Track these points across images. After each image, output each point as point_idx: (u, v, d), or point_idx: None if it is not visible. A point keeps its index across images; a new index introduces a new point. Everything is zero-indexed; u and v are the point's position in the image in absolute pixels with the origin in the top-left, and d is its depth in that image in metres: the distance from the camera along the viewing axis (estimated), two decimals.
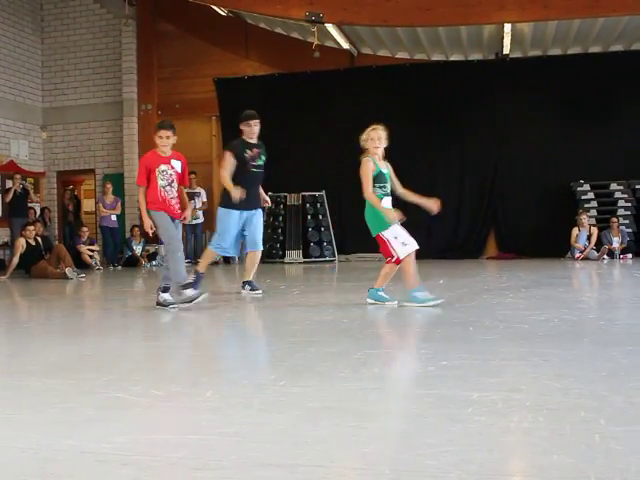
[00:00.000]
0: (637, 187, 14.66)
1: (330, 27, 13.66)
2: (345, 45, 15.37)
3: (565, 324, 5.17)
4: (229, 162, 7.73)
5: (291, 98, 16.05)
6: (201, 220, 16.05)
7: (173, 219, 6.62)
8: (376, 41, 15.40)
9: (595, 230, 14.23)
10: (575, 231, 14.25)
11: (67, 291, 9.84)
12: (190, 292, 6.54)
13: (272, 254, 15.44)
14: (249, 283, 7.99)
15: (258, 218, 7.91)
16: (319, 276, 11.79)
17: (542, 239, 14.98)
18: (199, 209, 15.95)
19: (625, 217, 14.67)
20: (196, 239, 15.95)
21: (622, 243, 14.17)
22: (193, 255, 15.80)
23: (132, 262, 15.57)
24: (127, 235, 16.35)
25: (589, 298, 7.67)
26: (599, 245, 14.15)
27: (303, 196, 15.44)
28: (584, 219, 14.21)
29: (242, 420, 2.65)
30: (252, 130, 7.95)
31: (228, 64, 16.84)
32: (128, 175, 17.08)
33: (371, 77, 15.83)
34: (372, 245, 14.57)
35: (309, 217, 15.38)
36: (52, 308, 7.81)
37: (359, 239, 15.02)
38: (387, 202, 6.38)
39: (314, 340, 4.59)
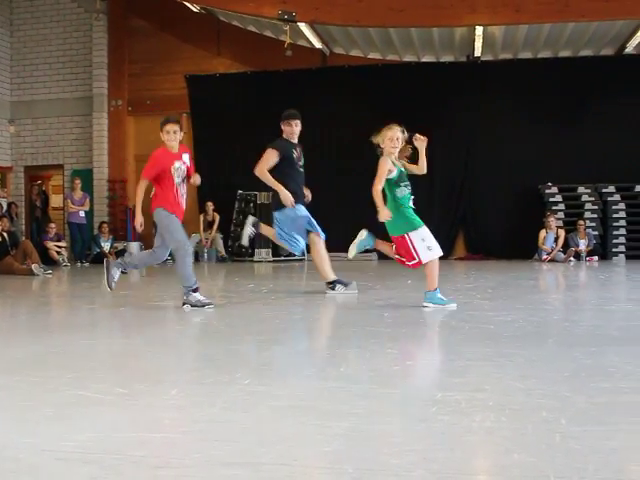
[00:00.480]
0: (604, 191, 14.85)
1: (303, 26, 13.66)
2: (317, 44, 15.38)
3: (530, 325, 5.22)
4: (272, 160, 7.66)
5: (263, 96, 16.02)
6: None
7: None
8: (348, 41, 15.42)
9: (562, 232, 14.39)
10: (543, 233, 14.40)
11: (33, 288, 9.73)
12: (199, 296, 6.34)
13: (241, 252, 15.40)
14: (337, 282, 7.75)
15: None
16: (288, 275, 11.79)
17: (510, 241, 15.13)
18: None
19: (592, 220, 14.85)
20: None
21: (588, 246, 14.35)
22: None
23: (100, 259, 15.41)
24: (95, 232, 16.21)
25: (555, 299, 7.76)
26: (566, 247, 14.31)
27: (274, 195, 15.40)
28: (552, 221, 14.37)
29: (206, 418, 2.64)
30: (293, 130, 7.74)
31: (200, 61, 16.77)
32: (97, 171, 16.94)
33: (343, 77, 15.86)
34: (341, 244, 14.61)
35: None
36: (18, 305, 7.73)
37: (329, 238, 15.07)
38: (411, 202, 6.30)
39: (281, 339, 4.59)
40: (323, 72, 16.12)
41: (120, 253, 15.55)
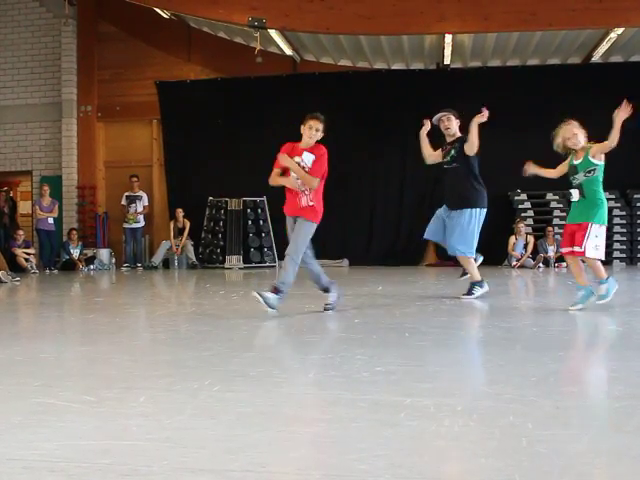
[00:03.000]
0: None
1: (273, 33, 13.67)
2: (288, 51, 15.40)
3: (499, 330, 5.26)
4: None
5: (233, 103, 16.00)
6: (142, 224, 15.87)
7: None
8: (319, 48, 15.47)
9: (531, 239, 14.52)
10: (512, 239, 14.53)
11: (1, 295, 9.61)
12: (271, 297, 6.05)
13: (212, 259, 15.36)
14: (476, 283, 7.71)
15: (456, 218, 7.78)
16: (259, 282, 11.76)
17: (480, 247, 15.21)
18: (140, 213, 15.77)
19: (560, 227, 14.99)
20: (136, 243, 15.75)
21: (557, 252, 14.48)
22: (132, 260, 15.63)
23: (69, 266, 15.30)
24: (64, 238, 16.06)
25: (524, 305, 7.83)
26: (535, 253, 14.44)
27: (244, 201, 15.38)
28: (521, 228, 14.50)
29: (174, 425, 2.63)
30: (446, 126, 7.80)
31: (170, 67, 16.70)
32: (66, 178, 16.79)
33: (313, 84, 15.89)
34: (314, 251, 14.48)
35: (250, 222, 15.33)
36: None
37: None
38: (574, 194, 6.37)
39: (251, 345, 4.58)
40: (294, 79, 16.14)
41: (90, 260, 15.45)
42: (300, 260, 6.21)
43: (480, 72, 15.76)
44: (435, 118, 7.69)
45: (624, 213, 14.84)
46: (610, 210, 14.91)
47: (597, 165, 6.26)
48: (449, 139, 7.71)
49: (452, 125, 7.70)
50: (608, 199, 14.97)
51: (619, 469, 2.22)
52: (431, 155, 7.75)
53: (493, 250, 14.89)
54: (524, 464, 2.19)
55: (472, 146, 7.41)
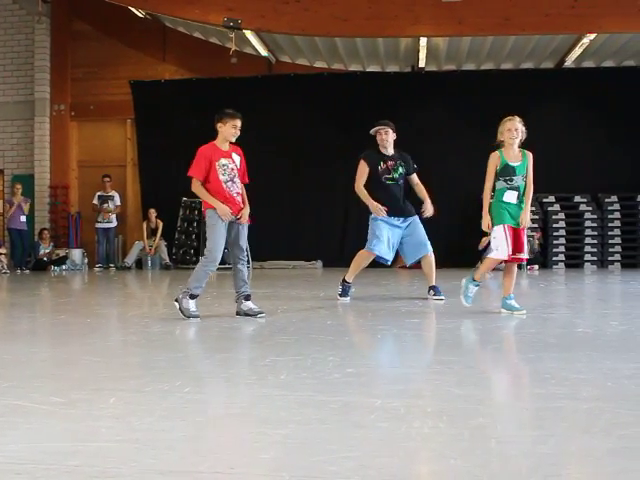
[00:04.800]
0: (544, 201, 15.15)
1: (248, 34, 13.64)
2: (263, 52, 15.38)
3: (471, 332, 5.30)
4: (362, 172, 7.71)
5: (208, 103, 15.91)
6: (114, 224, 15.77)
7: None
8: (294, 49, 15.47)
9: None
10: (485, 240, 14.63)
11: None
12: (192, 305, 6.09)
13: (186, 260, 15.29)
14: (433, 288, 7.81)
15: (415, 224, 7.81)
16: (232, 282, 11.72)
17: (454, 249, 15.29)
18: (112, 212, 15.65)
19: (533, 229, 15.12)
20: (109, 243, 15.65)
21: (532, 253, 14.61)
22: (105, 260, 15.52)
23: (40, 266, 15.15)
24: (35, 238, 15.91)
25: (495, 307, 7.88)
26: None
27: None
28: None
29: (143, 427, 2.62)
30: (383, 139, 7.72)
31: (145, 67, 16.61)
32: (39, 177, 16.62)
33: (289, 85, 15.88)
34: (287, 252, 14.55)
35: None
36: None
37: (274, 246, 15.07)
38: (510, 196, 6.28)
39: (223, 347, 4.57)
40: (269, 80, 16.12)
41: (61, 260, 15.30)
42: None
43: (454, 75, 15.86)
44: (373, 130, 7.75)
45: (595, 216, 14.99)
46: (582, 214, 15.10)
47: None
48: (384, 151, 7.75)
49: (388, 138, 7.73)
50: (579, 202, 15.27)
51: (586, 469, 2.25)
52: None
53: (467, 252, 15.01)
54: (493, 465, 2.20)
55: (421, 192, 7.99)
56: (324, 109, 15.60)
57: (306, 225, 15.39)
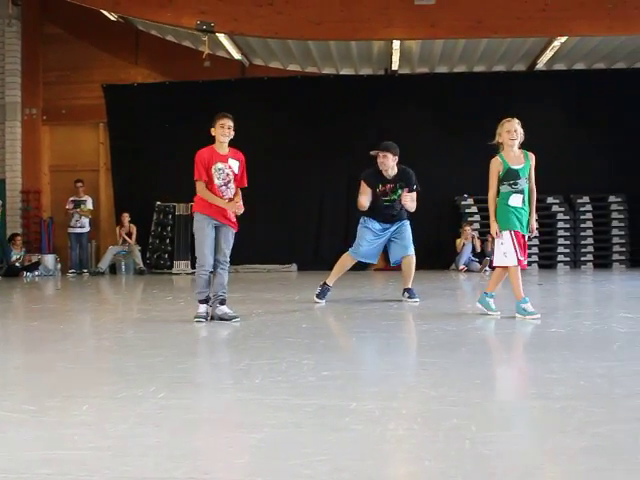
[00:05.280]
0: None
1: (221, 37, 13.61)
2: (237, 55, 15.35)
3: (445, 334, 5.32)
4: (364, 191, 7.83)
5: (181, 107, 15.87)
6: (87, 229, 15.62)
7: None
8: (268, 53, 15.45)
9: (478, 242, 14.73)
10: (459, 242, 14.73)
11: None
12: (202, 310, 6.12)
13: (160, 265, 15.21)
14: (408, 290, 7.83)
15: (405, 227, 7.86)
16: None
17: (428, 251, 15.34)
18: (83, 214, 15.44)
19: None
20: (81, 249, 15.49)
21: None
22: (78, 265, 15.38)
23: (12, 272, 14.97)
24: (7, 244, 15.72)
25: (469, 309, 7.92)
26: (482, 257, 14.64)
27: (192, 206, 15.24)
28: (467, 231, 14.70)
29: (117, 434, 2.60)
30: (382, 162, 7.68)
31: (117, 70, 16.49)
32: (10, 182, 16.43)
33: (262, 88, 15.86)
34: (261, 256, 14.52)
35: None
36: None
37: (248, 250, 15.01)
38: (517, 199, 6.19)
39: (198, 351, 4.55)
40: (242, 83, 16.08)
41: (34, 266, 15.14)
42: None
43: (427, 78, 15.93)
44: (373, 152, 7.78)
45: (568, 217, 15.13)
46: (554, 214, 15.22)
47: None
48: (386, 174, 7.75)
49: (388, 162, 7.71)
50: (552, 204, 15.39)
51: (560, 468, 2.26)
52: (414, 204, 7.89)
53: (441, 254, 15.09)
54: (467, 466, 2.21)
55: (409, 210, 7.86)
56: (297, 112, 15.60)
57: (280, 229, 15.37)
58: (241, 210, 6.26)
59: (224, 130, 6.22)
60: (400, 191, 7.73)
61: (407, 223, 7.94)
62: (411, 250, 7.90)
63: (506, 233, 6.18)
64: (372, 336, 5.17)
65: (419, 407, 2.99)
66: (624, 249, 15.23)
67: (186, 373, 3.73)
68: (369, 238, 7.87)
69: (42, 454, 2.36)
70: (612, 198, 15.16)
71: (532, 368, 3.88)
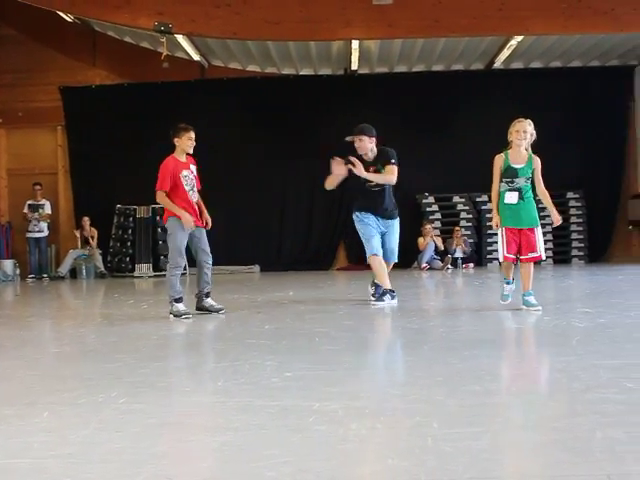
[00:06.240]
0: (477, 200, 15.40)
1: (180, 38, 13.51)
2: (195, 56, 15.26)
3: (408, 332, 5.35)
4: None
5: (141, 109, 15.74)
6: (46, 233, 15.40)
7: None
8: (227, 53, 15.39)
9: (439, 241, 14.84)
10: (421, 240, 14.81)
11: None
12: (181, 307, 6.46)
13: (121, 268, 15.06)
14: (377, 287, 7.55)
15: (394, 229, 7.65)
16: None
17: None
18: (42, 219, 15.23)
19: (467, 228, 15.37)
20: (40, 253, 15.28)
21: (464, 253, 14.85)
22: (38, 270, 15.16)
23: None
24: None
25: (432, 306, 7.98)
26: (443, 255, 14.76)
27: (153, 209, 15.14)
28: (428, 229, 14.80)
29: (78, 440, 2.57)
30: (359, 146, 7.49)
31: (74, 72, 16.29)
32: None
33: (222, 89, 15.79)
34: (223, 257, 14.50)
35: (159, 230, 15.08)
36: None
37: (211, 251, 14.95)
38: (511, 197, 6.40)
39: (159, 355, 4.52)
40: (201, 84, 15.99)
41: None
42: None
43: (387, 77, 16.01)
44: (349, 138, 7.66)
45: None
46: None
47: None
48: (366, 158, 7.55)
49: (364, 145, 7.54)
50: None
51: (519, 463, 2.30)
52: (387, 177, 7.57)
53: (403, 253, 15.15)
54: (430, 463, 2.23)
55: (385, 184, 7.56)
56: (258, 112, 15.56)
57: (243, 229, 15.31)
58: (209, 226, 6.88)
59: (192, 142, 6.78)
60: (382, 171, 7.52)
61: (397, 223, 7.75)
62: (394, 257, 7.77)
63: (500, 230, 6.49)
64: (335, 336, 5.18)
65: (382, 406, 3.01)
66: (583, 245, 15.47)
67: (147, 377, 3.71)
68: (370, 226, 7.63)
69: (2, 463, 2.33)
70: (570, 194, 15.38)
71: (493, 364, 3.92)
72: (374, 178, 7.49)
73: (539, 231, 6.52)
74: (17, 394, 3.48)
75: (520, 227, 6.45)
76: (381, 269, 7.50)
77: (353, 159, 7.45)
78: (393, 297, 7.36)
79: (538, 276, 12.18)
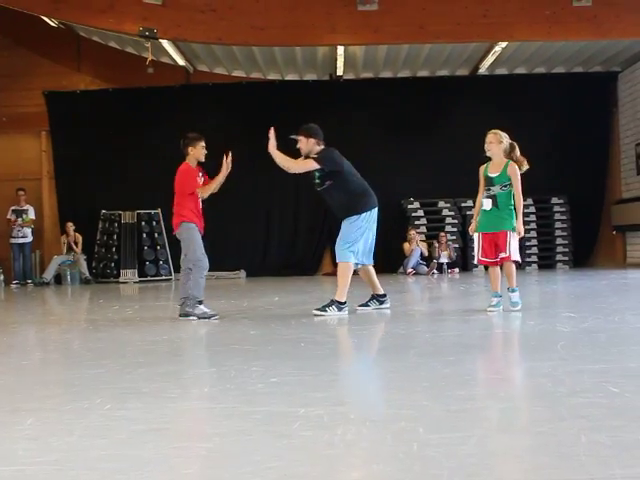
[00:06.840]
0: (463, 205, 15.45)
1: (165, 43, 13.50)
2: (181, 62, 15.24)
3: (394, 337, 5.36)
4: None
5: (126, 114, 15.71)
6: (30, 239, 15.31)
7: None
8: (212, 59, 15.39)
9: (425, 246, 14.87)
10: (406, 246, 14.84)
11: None
12: (205, 309, 6.74)
13: (106, 273, 14.99)
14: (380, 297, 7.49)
15: (342, 228, 7.40)
16: (155, 295, 11.59)
17: (376, 255, 15.44)
18: (25, 224, 15.13)
19: (452, 233, 15.42)
20: (25, 259, 15.18)
21: (450, 258, 14.88)
22: (22, 276, 15.07)
23: None
24: None
25: (417, 312, 8.00)
26: (429, 260, 14.79)
27: (138, 214, 15.10)
28: (413, 235, 14.83)
29: (63, 447, 2.56)
30: (299, 147, 7.37)
31: (59, 77, 16.23)
32: None
33: (207, 94, 15.79)
34: (209, 263, 14.42)
35: (145, 235, 15.06)
36: None
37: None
38: (486, 203, 6.68)
39: (145, 361, 4.50)
40: (186, 89, 15.98)
41: None
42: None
43: (372, 83, 16.06)
44: (293, 135, 7.54)
45: None
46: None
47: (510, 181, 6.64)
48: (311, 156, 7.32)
49: (301, 145, 7.34)
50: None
51: (505, 467, 2.30)
52: (290, 163, 7.36)
53: (388, 258, 15.18)
54: (415, 468, 2.23)
55: (289, 170, 7.37)
56: (243, 118, 15.56)
57: (228, 235, 15.29)
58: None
59: (205, 150, 7.24)
60: (317, 172, 7.24)
61: (347, 223, 7.40)
62: (338, 258, 7.31)
63: (475, 235, 6.87)
64: (321, 341, 5.18)
65: (367, 411, 3.01)
66: (567, 250, 15.54)
67: (133, 383, 3.69)
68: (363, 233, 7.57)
69: None
70: (555, 200, 15.46)
71: (478, 369, 3.94)
72: (276, 158, 7.32)
73: (511, 235, 6.64)
74: (1, 400, 3.45)
75: (493, 232, 6.69)
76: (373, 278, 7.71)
77: (270, 134, 7.33)
78: (341, 309, 6.85)
79: (523, 281, 12.23)
